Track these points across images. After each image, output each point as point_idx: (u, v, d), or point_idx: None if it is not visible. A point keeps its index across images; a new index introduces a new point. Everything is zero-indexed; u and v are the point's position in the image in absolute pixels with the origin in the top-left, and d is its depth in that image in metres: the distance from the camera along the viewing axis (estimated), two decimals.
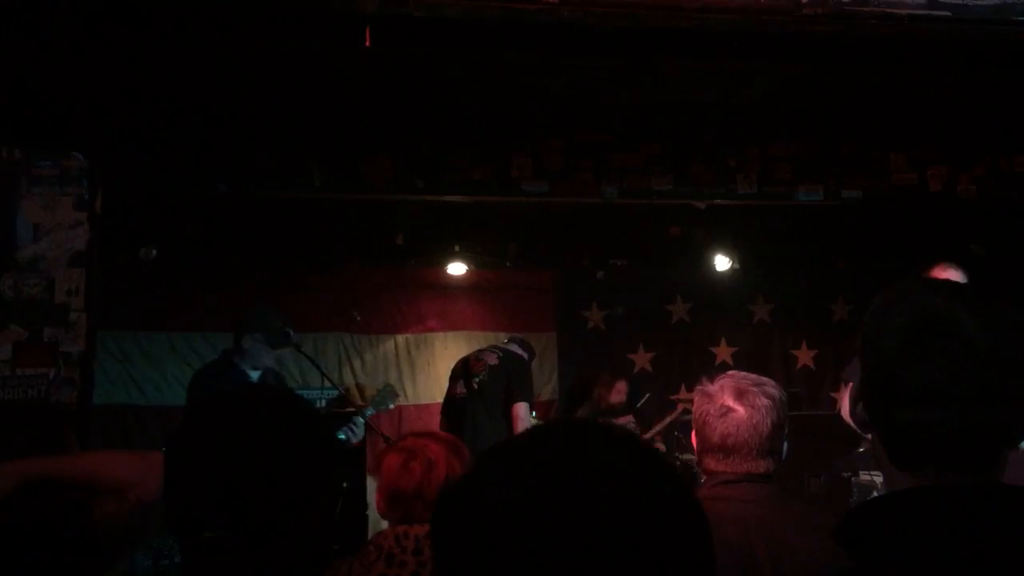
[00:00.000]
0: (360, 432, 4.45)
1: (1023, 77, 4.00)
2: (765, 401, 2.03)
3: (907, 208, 5.81)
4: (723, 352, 7.67)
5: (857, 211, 6.12)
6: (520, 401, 5.31)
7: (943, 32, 3.30)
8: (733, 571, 1.85)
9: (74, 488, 1.57)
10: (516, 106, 4.96)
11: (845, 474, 5.89)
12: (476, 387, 5.37)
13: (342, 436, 4.33)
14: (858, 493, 5.63)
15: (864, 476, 5.61)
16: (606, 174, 5.25)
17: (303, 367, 6.46)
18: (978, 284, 1.37)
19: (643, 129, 5.25)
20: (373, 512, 4.77)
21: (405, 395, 7.12)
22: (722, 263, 7.03)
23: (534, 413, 5.77)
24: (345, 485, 4.78)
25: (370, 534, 4.75)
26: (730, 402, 2.04)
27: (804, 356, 7.73)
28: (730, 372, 2.15)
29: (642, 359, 7.59)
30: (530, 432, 0.93)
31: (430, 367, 7.19)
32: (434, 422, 5.88)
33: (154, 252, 6.10)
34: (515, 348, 5.69)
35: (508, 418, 5.29)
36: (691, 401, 2.21)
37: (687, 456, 5.99)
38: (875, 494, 5.10)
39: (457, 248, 6.84)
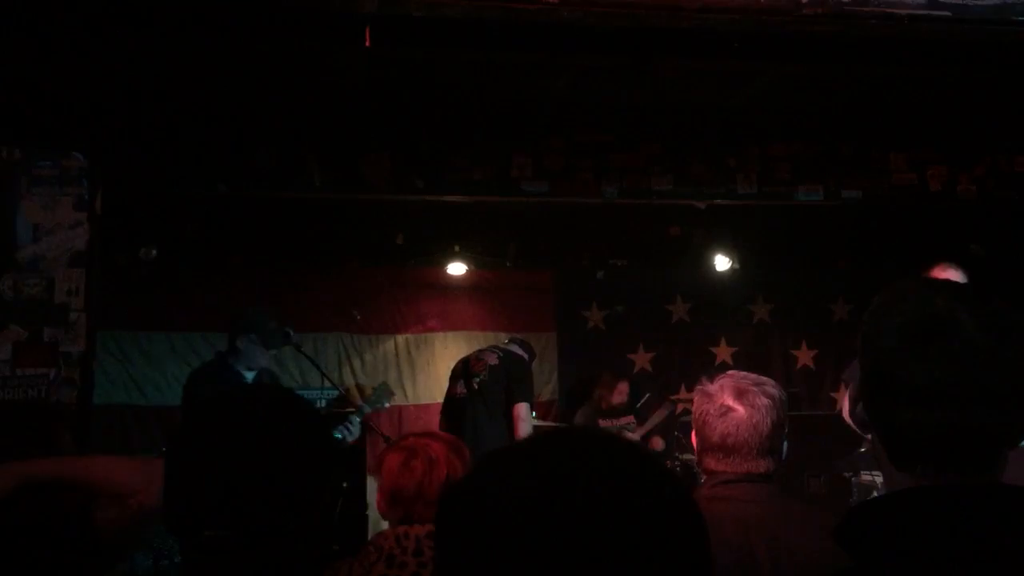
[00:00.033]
0: (356, 431, 4.45)
1: (1023, 77, 4.00)
2: (765, 401, 2.03)
3: (907, 208, 5.81)
4: (723, 352, 7.67)
5: (857, 211, 6.12)
6: (521, 402, 5.31)
7: (943, 32, 3.30)
8: (733, 571, 1.85)
9: (76, 491, 1.57)
10: (516, 106, 4.96)
11: (846, 474, 5.89)
12: (476, 387, 5.37)
13: (338, 435, 4.33)
14: (858, 493, 5.63)
15: (864, 476, 5.61)
16: (606, 174, 5.25)
17: (303, 367, 6.47)
18: (978, 284, 1.37)
19: (643, 129, 5.25)
20: (373, 512, 4.77)
21: (405, 395, 7.12)
22: (722, 263, 7.03)
23: (534, 413, 5.77)
24: (345, 485, 4.78)
25: (370, 534, 4.76)
26: (730, 402, 2.04)
27: (804, 356, 7.74)
28: (730, 372, 2.15)
29: (642, 359, 7.59)
30: (532, 437, 0.94)
31: (430, 367, 7.19)
32: (434, 422, 5.88)
33: (154, 252, 6.10)
34: (515, 348, 5.69)
35: (508, 418, 5.29)
36: (691, 401, 2.21)
37: (687, 456, 5.99)
38: (875, 494, 5.11)
39: (457, 248, 6.84)
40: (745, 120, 5.14)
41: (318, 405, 5.98)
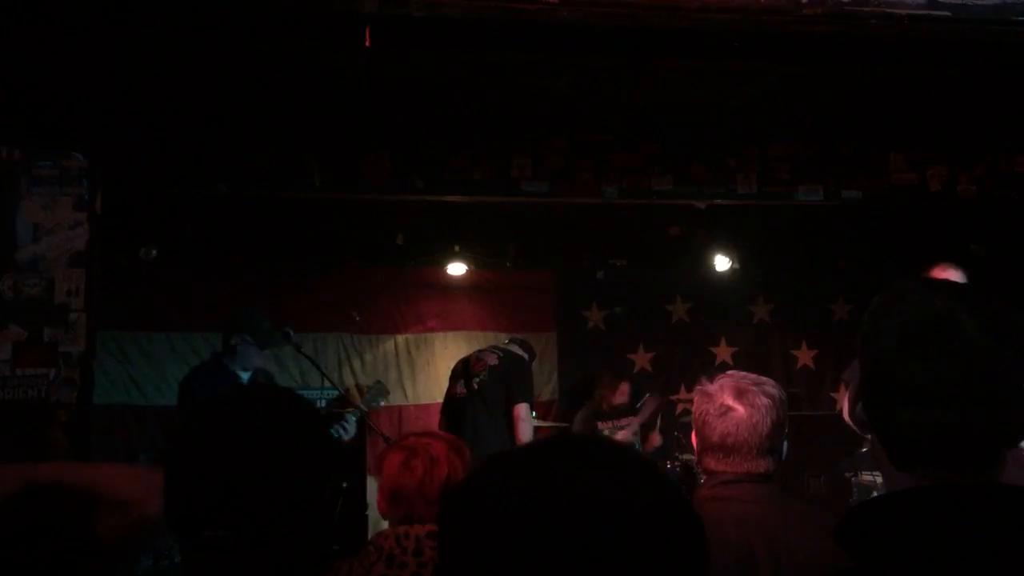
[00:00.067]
0: (352, 429, 4.45)
1: (1023, 77, 4.00)
2: (765, 400, 2.03)
3: (907, 208, 5.81)
4: (723, 352, 7.67)
5: (857, 211, 6.12)
6: (521, 402, 5.31)
7: (943, 32, 3.30)
8: (733, 571, 1.85)
9: (77, 497, 1.57)
10: (516, 106, 4.96)
11: (846, 474, 5.90)
12: (476, 387, 5.38)
13: (333, 434, 4.33)
14: (858, 493, 5.63)
15: (865, 476, 5.61)
16: (606, 174, 5.26)
17: (303, 367, 6.47)
18: (978, 284, 1.37)
19: (643, 129, 5.25)
20: (373, 512, 4.77)
21: (405, 395, 7.12)
22: (722, 263, 7.03)
23: (534, 413, 5.77)
24: (345, 485, 4.79)
25: (370, 534, 4.76)
26: (730, 401, 2.04)
27: (804, 356, 7.73)
28: (729, 372, 2.15)
29: (642, 359, 7.59)
30: (534, 442, 0.96)
31: (430, 367, 7.19)
32: (434, 422, 5.88)
33: (154, 252, 6.10)
34: (515, 348, 5.69)
35: (508, 418, 5.29)
36: (691, 401, 2.22)
37: (687, 456, 5.99)
38: (875, 494, 5.11)
39: (457, 248, 6.84)
40: (745, 120, 5.14)
41: (318, 405, 5.98)
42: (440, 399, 5.88)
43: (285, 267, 6.70)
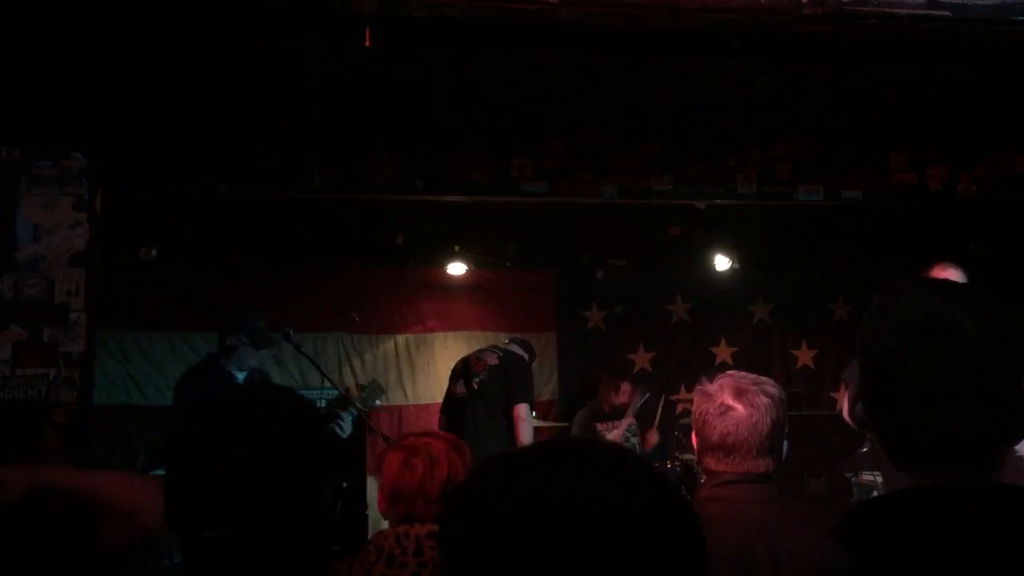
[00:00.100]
0: (348, 428, 4.46)
1: (1023, 77, 4.00)
2: (764, 400, 2.03)
3: (907, 208, 5.81)
4: (723, 352, 7.67)
5: (857, 211, 6.12)
6: (521, 402, 5.31)
7: (943, 32, 3.30)
8: (733, 572, 1.85)
9: (83, 504, 1.57)
10: (516, 106, 4.96)
11: (846, 474, 5.90)
12: (476, 387, 5.37)
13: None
14: (858, 493, 5.64)
15: (865, 476, 5.62)
16: (606, 174, 5.26)
17: (303, 367, 6.47)
18: (978, 284, 1.37)
19: (643, 129, 5.25)
20: (373, 512, 4.77)
21: (405, 395, 7.12)
22: (722, 263, 7.03)
23: (534, 413, 5.77)
24: (345, 485, 4.78)
25: (370, 534, 4.76)
26: (729, 401, 2.04)
27: (804, 356, 7.74)
28: (729, 372, 2.15)
29: (642, 359, 7.59)
30: (535, 444, 0.97)
31: (430, 367, 7.19)
32: (434, 422, 5.88)
33: (154, 252, 6.10)
34: (516, 348, 5.69)
35: (508, 418, 5.29)
36: (691, 401, 2.22)
37: (687, 456, 5.99)
38: (875, 494, 5.11)
39: (457, 248, 6.84)
40: (745, 120, 5.14)
41: (318, 405, 5.98)
42: (440, 399, 5.88)
43: (285, 267, 6.70)
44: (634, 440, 6.44)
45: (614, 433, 6.32)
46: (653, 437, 6.57)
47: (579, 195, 5.30)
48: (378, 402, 4.96)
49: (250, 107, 4.81)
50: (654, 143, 5.31)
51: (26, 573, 1.62)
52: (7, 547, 1.61)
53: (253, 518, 1.33)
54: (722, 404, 2.04)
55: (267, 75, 4.39)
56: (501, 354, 5.54)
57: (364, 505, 5.16)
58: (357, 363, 7.05)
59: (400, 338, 7.21)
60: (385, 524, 2.42)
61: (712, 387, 2.09)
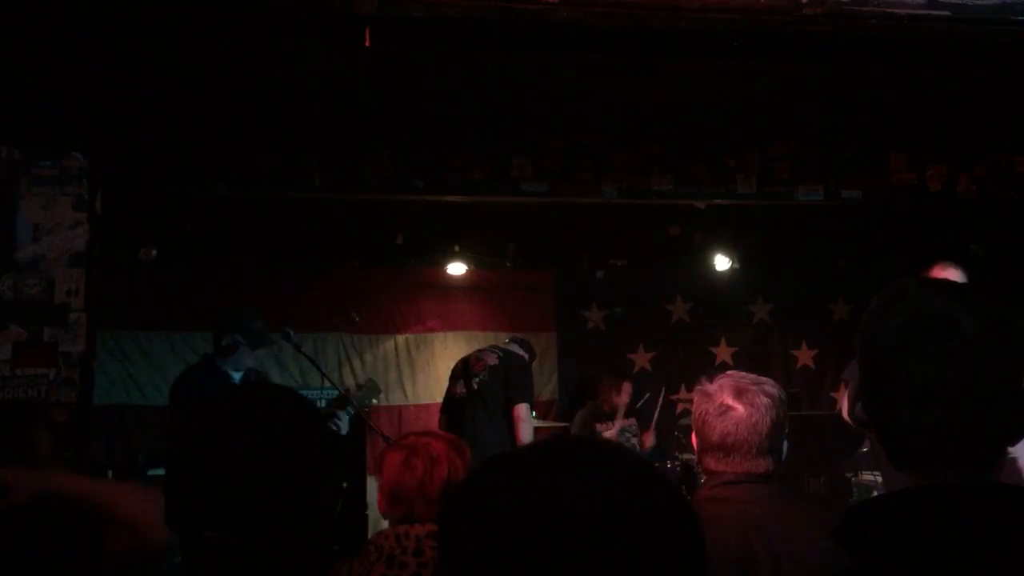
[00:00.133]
0: (344, 427, 4.46)
1: (1023, 77, 4.00)
2: (764, 400, 2.03)
3: (907, 208, 5.81)
4: (723, 352, 7.67)
5: (857, 211, 6.12)
6: (521, 402, 5.31)
7: (943, 32, 3.30)
8: (733, 572, 1.85)
9: (89, 512, 1.56)
10: (516, 106, 4.96)
11: (846, 474, 5.90)
12: (476, 387, 5.38)
13: None
14: (858, 493, 5.64)
15: (865, 476, 5.62)
16: (606, 174, 5.25)
17: (303, 367, 6.47)
18: (978, 284, 1.37)
19: (643, 129, 5.25)
20: (373, 512, 4.77)
21: (405, 395, 7.13)
22: (722, 263, 7.03)
23: (534, 413, 5.77)
24: (345, 485, 4.78)
25: (370, 534, 4.76)
26: (729, 401, 2.04)
27: (804, 356, 7.74)
28: (729, 372, 2.15)
29: (642, 359, 7.59)
30: (534, 443, 0.96)
31: (430, 367, 7.19)
32: (434, 422, 5.88)
33: (154, 252, 6.10)
34: (516, 348, 5.69)
35: (508, 418, 5.30)
36: (691, 401, 2.22)
37: (687, 456, 5.99)
38: (875, 494, 5.11)
39: (457, 248, 6.84)
40: (745, 120, 5.14)
41: (319, 405, 5.98)
42: (440, 399, 5.88)
43: (285, 267, 6.70)
44: (634, 441, 6.44)
45: (608, 434, 6.33)
46: (650, 439, 6.57)
47: (579, 195, 5.29)
48: (374, 401, 4.95)
49: (250, 107, 4.81)
50: (654, 143, 5.31)
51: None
52: (11, 549, 1.61)
53: (253, 518, 1.33)
54: (722, 404, 2.04)
55: (267, 75, 4.39)
56: (501, 354, 5.54)
57: (364, 505, 5.16)
58: (357, 363, 7.05)
59: (400, 338, 7.21)
60: (385, 524, 2.42)
61: (712, 387, 2.09)
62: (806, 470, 6.30)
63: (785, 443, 2.10)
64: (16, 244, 4.10)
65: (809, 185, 5.42)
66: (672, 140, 5.31)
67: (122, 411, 6.47)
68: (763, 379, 2.12)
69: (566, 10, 3.11)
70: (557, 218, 6.54)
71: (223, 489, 1.33)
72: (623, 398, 6.55)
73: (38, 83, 4.13)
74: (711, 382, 2.11)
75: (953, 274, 3.73)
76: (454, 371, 5.66)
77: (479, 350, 5.75)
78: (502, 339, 6.20)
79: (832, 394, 7.42)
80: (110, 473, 4.94)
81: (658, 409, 6.70)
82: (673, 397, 7.06)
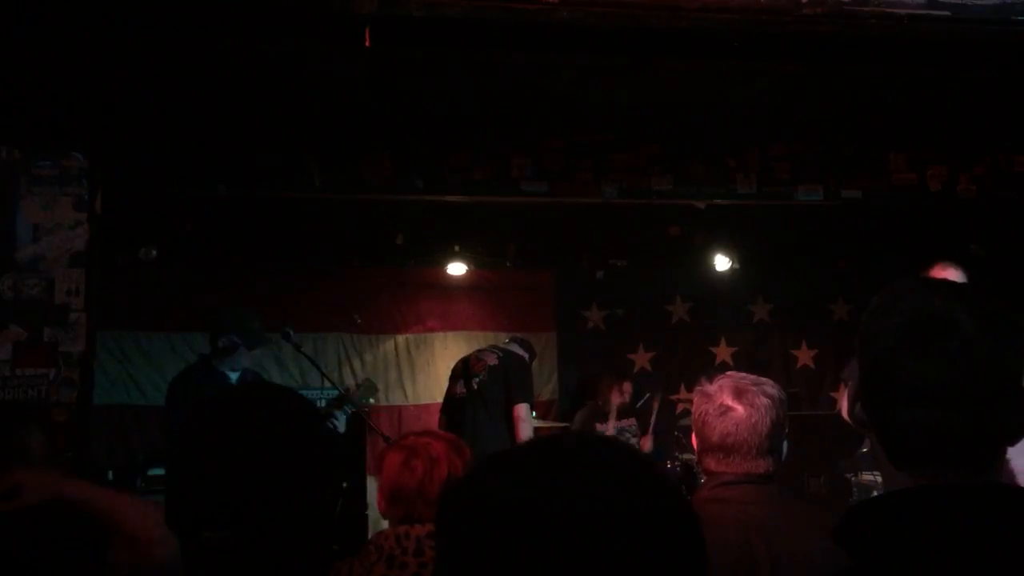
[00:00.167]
0: (341, 427, 4.46)
1: (1023, 77, 4.00)
2: (764, 400, 2.03)
3: (907, 208, 5.81)
4: (723, 352, 7.67)
5: (857, 211, 6.12)
6: (521, 402, 5.31)
7: (943, 32, 3.30)
8: (733, 572, 1.85)
9: (97, 523, 1.56)
10: (516, 106, 4.96)
11: (846, 474, 5.89)
12: (475, 387, 5.37)
13: None
14: (858, 493, 5.63)
15: (865, 476, 5.61)
16: (606, 174, 5.25)
17: (303, 367, 6.48)
18: (978, 284, 1.37)
19: (643, 129, 5.25)
20: (373, 512, 4.77)
21: (405, 395, 7.13)
22: (722, 263, 7.03)
23: (534, 413, 5.77)
24: (345, 485, 4.78)
25: (370, 534, 4.76)
26: (729, 401, 2.04)
27: (804, 356, 7.74)
28: (729, 372, 2.15)
29: (642, 359, 7.59)
30: (533, 440, 0.95)
31: (430, 367, 7.19)
32: (434, 422, 5.88)
33: (154, 252, 6.10)
34: (516, 348, 5.69)
35: (508, 418, 5.29)
36: (691, 401, 2.22)
37: (687, 456, 5.99)
38: (875, 494, 5.11)
39: (457, 248, 6.85)
40: (745, 120, 5.14)
41: (319, 405, 5.98)
42: (440, 399, 5.88)
43: (285, 267, 6.70)
44: (633, 441, 6.44)
45: (607, 434, 6.32)
46: (647, 444, 6.56)
47: (579, 195, 5.29)
48: (372, 400, 4.96)
49: (250, 107, 4.81)
50: (654, 143, 5.31)
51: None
52: (16, 551, 1.61)
53: (253, 518, 1.33)
54: (722, 405, 2.04)
55: (267, 75, 4.39)
56: (501, 354, 5.54)
57: (364, 505, 5.16)
58: (357, 363, 7.05)
59: (400, 338, 7.21)
60: (385, 524, 2.42)
61: (712, 388, 2.09)
62: (806, 470, 6.30)
63: (785, 443, 2.10)
64: (16, 244, 4.10)
65: (809, 185, 5.42)
66: (672, 140, 5.31)
67: (122, 411, 6.47)
68: (763, 379, 2.12)
69: (566, 10, 3.11)
70: (557, 218, 6.54)
71: (223, 489, 1.33)
72: (623, 398, 6.55)
73: (38, 83, 4.13)
74: (711, 383, 2.11)
75: (953, 274, 3.73)
76: (454, 371, 5.66)
77: (479, 350, 5.75)
78: (502, 339, 6.20)
79: (832, 394, 7.42)
80: (110, 473, 4.94)
81: (654, 415, 6.69)
82: (673, 397, 7.06)
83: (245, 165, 5.00)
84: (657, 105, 4.91)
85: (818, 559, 1.79)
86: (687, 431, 2.44)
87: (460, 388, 5.46)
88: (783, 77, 4.43)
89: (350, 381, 6.85)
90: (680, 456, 6.17)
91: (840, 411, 4.63)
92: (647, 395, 6.92)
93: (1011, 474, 2.78)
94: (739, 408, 2.03)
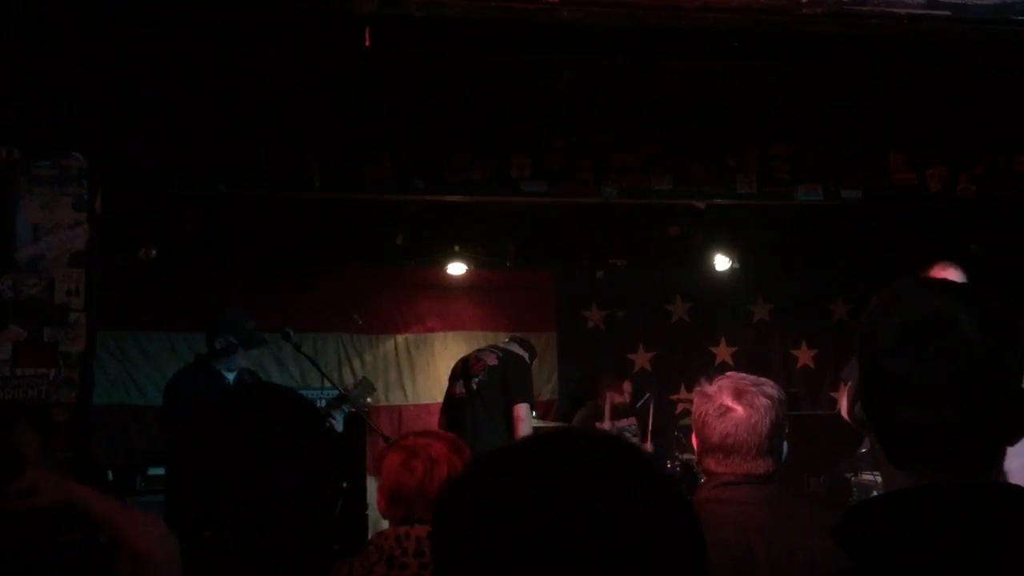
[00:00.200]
0: (338, 427, 4.47)
1: (1023, 77, 4.00)
2: (764, 401, 2.03)
3: (907, 208, 5.81)
4: (723, 352, 7.67)
5: (857, 211, 6.12)
6: (521, 402, 5.31)
7: (943, 32, 3.30)
8: (732, 573, 1.85)
9: (105, 533, 1.56)
10: (516, 106, 4.96)
11: (846, 474, 5.89)
12: (475, 387, 5.37)
13: None
14: (858, 493, 5.63)
15: (865, 476, 5.61)
16: (606, 174, 5.26)
17: (303, 367, 6.48)
18: (978, 284, 1.37)
19: (643, 129, 5.25)
20: (373, 512, 4.77)
21: (405, 395, 7.13)
22: (722, 263, 7.03)
23: (534, 413, 5.77)
24: (345, 485, 4.78)
25: (370, 534, 4.76)
26: (729, 402, 2.04)
27: (804, 356, 7.74)
28: (728, 373, 2.15)
29: (642, 359, 7.59)
30: (530, 436, 0.94)
31: (430, 367, 7.19)
32: (434, 422, 5.88)
33: (154, 252, 6.10)
34: (516, 348, 5.69)
35: (508, 418, 5.29)
36: (691, 401, 2.22)
37: (687, 456, 5.99)
38: (875, 494, 5.10)
39: (457, 248, 6.85)
40: (745, 120, 5.14)
41: (319, 405, 5.98)
42: (440, 399, 5.88)
43: (285, 267, 6.71)
44: (633, 441, 6.44)
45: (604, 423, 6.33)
46: (647, 445, 6.55)
47: (579, 195, 5.30)
48: (368, 399, 4.95)
49: (250, 107, 4.81)
50: (654, 143, 5.31)
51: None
52: (22, 550, 1.61)
53: (253, 518, 1.33)
54: (721, 405, 2.04)
55: (267, 75, 4.39)
56: (500, 354, 5.54)
57: (364, 505, 5.16)
58: (357, 363, 7.05)
59: (400, 338, 7.21)
60: (385, 524, 2.42)
61: (711, 388, 2.09)
62: (806, 470, 6.29)
63: (785, 444, 2.10)
64: (16, 244, 4.09)
65: (809, 185, 5.42)
66: (672, 140, 5.31)
67: (122, 411, 6.47)
68: (763, 380, 2.12)
69: (566, 10, 3.11)
70: (557, 218, 6.54)
71: (223, 489, 1.33)
72: (623, 398, 6.55)
73: (38, 83, 4.13)
74: (710, 383, 2.11)
75: (953, 274, 3.73)
76: (453, 371, 5.66)
77: (478, 350, 5.75)
78: (502, 339, 6.21)
79: (832, 394, 7.42)
80: (110, 473, 4.94)
81: (651, 420, 6.68)
82: (673, 397, 7.06)
83: (245, 165, 5.00)
84: (657, 105, 4.92)
85: (818, 559, 1.79)
86: (687, 431, 2.44)
87: (459, 388, 5.46)
88: (783, 77, 4.43)
89: (349, 381, 6.86)
90: (680, 456, 6.17)
91: (840, 411, 4.63)
92: (647, 395, 6.91)
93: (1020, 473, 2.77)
94: (739, 409, 2.03)
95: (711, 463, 2.06)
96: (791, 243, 7.09)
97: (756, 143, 5.39)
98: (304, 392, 5.89)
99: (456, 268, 7.01)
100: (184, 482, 1.36)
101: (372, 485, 4.59)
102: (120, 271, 5.78)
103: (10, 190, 4.10)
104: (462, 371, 5.53)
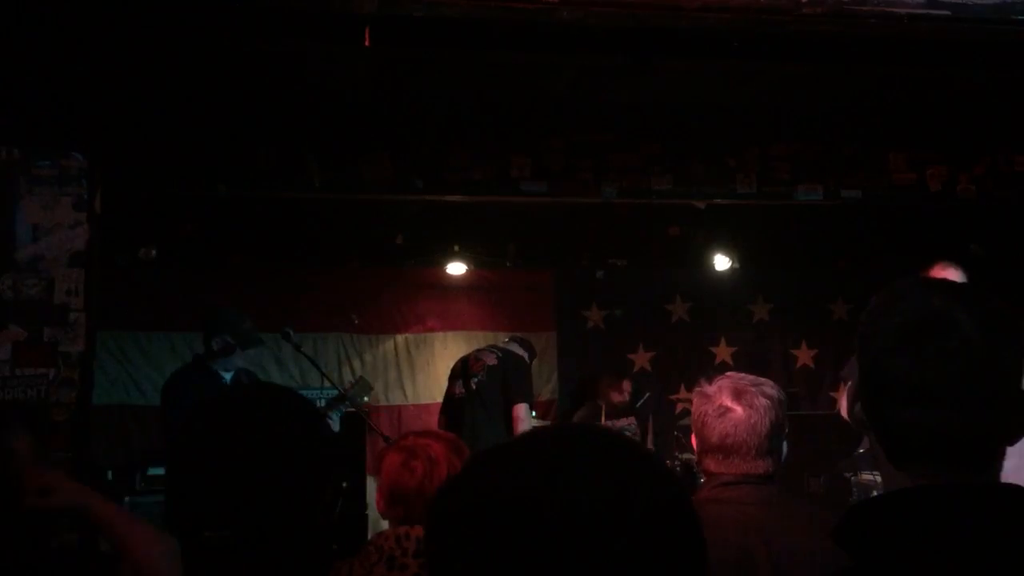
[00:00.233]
0: (335, 427, 4.48)
1: (1023, 77, 4.00)
2: (763, 401, 2.03)
3: (907, 208, 5.81)
4: (723, 352, 7.67)
5: (857, 211, 6.12)
6: (520, 402, 5.31)
7: (943, 31, 3.30)
8: (733, 572, 1.85)
9: (110, 541, 1.55)
10: (516, 106, 4.96)
11: (846, 474, 5.89)
12: (474, 387, 5.37)
13: None
14: (858, 493, 5.63)
15: (865, 476, 5.61)
16: (605, 174, 5.25)
17: (303, 367, 6.47)
18: (978, 284, 1.37)
19: (643, 129, 5.25)
20: (373, 512, 4.77)
21: (405, 395, 7.13)
22: (722, 263, 7.03)
23: (534, 413, 5.77)
24: (345, 485, 4.78)
25: (370, 534, 4.76)
26: (728, 402, 2.04)
27: (804, 356, 7.74)
28: (728, 373, 2.15)
29: (642, 359, 7.58)
30: (527, 433, 0.93)
31: (430, 367, 7.19)
32: (434, 422, 5.88)
33: (154, 252, 6.10)
34: (515, 348, 5.69)
35: (507, 418, 5.29)
36: (691, 401, 2.22)
37: (687, 456, 5.99)
38: (875, 494, 5.10)
39: (457, 248, 6.85)
40: (745, 120, 5.15)
41: (318, 405, 5.98)
42: (440, 399, 5.88)
43: (285, 267, 6.71)
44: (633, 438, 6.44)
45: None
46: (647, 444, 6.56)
47: (579, 195, 5.30)
48: (366, 399, 4.95)
49: (250, 107, 4.81)
50: (654, 143, 5.31)
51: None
52: (28, 549, 1.61)
53: (253, 518, 1.33)
54: (721, 405, 2.04)
55: (267, 75, 4.40)
56: (500, 354, 5.54)
57: (364, 505, 5.16)
58: (357, 363, 7.05)
59: (400, 338, 7.21)
60: (385, 524, 2.42)
61: (711, 388, 2.09)
62: (806, 470, 6.29)
63: (785, 444, 2.10)
64: (16, 244, 4.09)
65: (809, 185, 5.42)
66: (672, 140, 5.31)
67: (121, 411, 6.47)
68: (762, 380, 2.12)
69: (566, 10, 3.10)
70: (557, 218, 6.54)
71: (223, 489, 1.33)
72: (623, 397, 6.55)
73: (38, 83, 4.13)
74: (710, 383, 2.11)
75: (953, 274, 3.73)
76: (453, 371, 5.66)
77: (478, 350, 5.75)
78: (502, 339, 6.21)
79: (832, 394, 7.41)
80: (109, 473, 4.94)
81: (650, 422, 6.67)
82: (673, 397, 7.06)
83: (245, 165, 5.00)
84: (657, 105, 4.92)
85: (818, 559, 1.79)
86: (687, 431, 2.44)
87: (459, 388, 5.46)
88: (783, 77, 4.44)
89: (350, 381, 6.86)
90: (680, 456, 6.17)
91: (840, 411, 4.63)
92: (647, 395, 6.91)
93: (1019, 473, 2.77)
94: (738, 409, 2.03)
95: (711, 463, 2.06)
96: (791, 243, 7.09)
97: (756, 143, 5.39)
98: (304, 392, 5.89)
99: (456, 268, 7.01)
100: (184, 482, 1.36)
101: (372, 485, 4.60)
102: (120, 271, 5.78)
103: (10, 190, 4.09)
104: (462, 371, 5.53)
